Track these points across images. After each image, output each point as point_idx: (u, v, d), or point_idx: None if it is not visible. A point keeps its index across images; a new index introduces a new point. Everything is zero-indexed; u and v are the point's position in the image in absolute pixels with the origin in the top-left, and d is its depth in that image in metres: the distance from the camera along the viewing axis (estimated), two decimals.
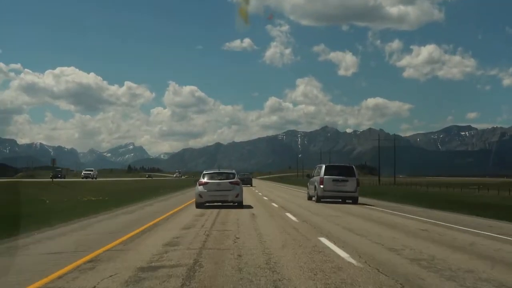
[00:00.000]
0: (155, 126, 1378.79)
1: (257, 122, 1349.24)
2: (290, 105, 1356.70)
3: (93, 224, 14.86)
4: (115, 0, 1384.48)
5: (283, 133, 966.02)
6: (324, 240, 10.85)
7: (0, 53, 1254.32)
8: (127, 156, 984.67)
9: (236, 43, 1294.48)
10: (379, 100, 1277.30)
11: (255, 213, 18.70)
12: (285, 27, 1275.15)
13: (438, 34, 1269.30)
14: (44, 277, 7.08)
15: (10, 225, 13.18)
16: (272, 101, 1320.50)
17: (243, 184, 27.35)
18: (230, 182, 21.92)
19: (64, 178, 63.80)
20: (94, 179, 67.64)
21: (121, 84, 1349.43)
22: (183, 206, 23.49)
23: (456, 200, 32.09)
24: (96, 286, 6.57)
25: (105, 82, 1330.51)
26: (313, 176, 29.11)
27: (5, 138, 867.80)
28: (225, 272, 7.33)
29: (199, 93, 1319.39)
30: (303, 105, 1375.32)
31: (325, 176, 26.19)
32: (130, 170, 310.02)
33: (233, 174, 23.17)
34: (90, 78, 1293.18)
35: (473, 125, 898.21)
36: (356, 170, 27.94)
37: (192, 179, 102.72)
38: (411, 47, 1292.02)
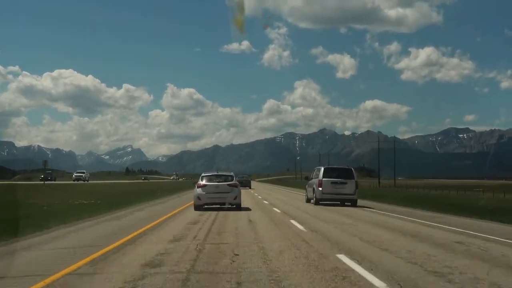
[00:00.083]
0: (153, 128, 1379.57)
1: (255, 125, 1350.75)
2: (288, 108, 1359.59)
3: (69, 234, 12.72)
4: (113, 4, 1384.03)
5: (281, 135, 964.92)
6: (344, 258, 8.66)
7: None
8: (125, 158, 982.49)
9: (235, 46, 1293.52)
10: (377, 102, 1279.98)
11: (255, 220, 16.68)
12: (283, 30, 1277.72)
13: (436, 37, 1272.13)
14: None
15: None
16: (270, 103, 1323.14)
17: (241, 186, 27.19)
18: (228, 185, 21.84)
19: (54, 180, 61.64)
20: (85, 182, 65.30)
21: (119, 87, 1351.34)
22: (176, 211, 21.51)
23: (465, 203, 29.97)
24: None
25: (103, 85, 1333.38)
26: (312, 178, 28.72)
27: (3, 140, 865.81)
28: None
29: (198, 96, 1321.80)
30: (301, 108, 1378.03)
31: (323, 179, 25.94)
32: (128, 172, 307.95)
33: (232, 176, 23.03)
34: (88, 81, 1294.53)
35: (471, 128, 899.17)
36: (355, 172, 27.59)
37: (189, 181, 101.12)
38: (409, 49, 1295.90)
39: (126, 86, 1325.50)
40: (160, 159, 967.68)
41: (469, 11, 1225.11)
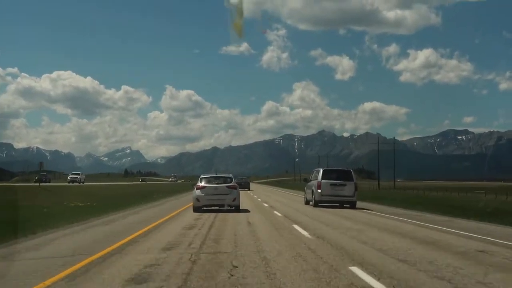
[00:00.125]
0: (152, 130, 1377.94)
1: (254, 126, 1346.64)
2: (287, 109, 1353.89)
3: (53, 241, 11.62)
4: (112, 5, 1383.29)
5: (280, 137, 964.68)
6: (359, 272, 7.54)
7: None
8: (124, 160, 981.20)
9: (234, 47, 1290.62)
10: (376, 104, 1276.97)
11: (255, 224, 15.62)
12: (282, 31, 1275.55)
13: (435, 38, 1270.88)
14: None
15: None
16: (269, 105, 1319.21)
17: (240, 188, 27.41)
18: (227, 186, 21.86)
19: (49, 182, 60.43)
20: (81, 183, 64.08)
21: (118, 88, 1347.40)
22: (172, 214, 20.49)
23: (470, 206, 28.85)
24: None
25: (102, 86, 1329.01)
26: (311, 180, 28.54)
27: (2, 142, 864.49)
28: None
29: (196, 97, 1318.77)
30: (300, 109, 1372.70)
31: (322, 180, 25.79)
32: (127, 174, 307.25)
33: (231, 178, 22.92)
34: (87, 82, 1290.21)
35: (470, 129, 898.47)
36: (354, 174, 27.37)
37: (188, 183, 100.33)
38: (408, 51, 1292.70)
39: (125, 87, 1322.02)
40: (159, 161, 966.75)
41: (467, 13, 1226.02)
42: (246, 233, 12.99)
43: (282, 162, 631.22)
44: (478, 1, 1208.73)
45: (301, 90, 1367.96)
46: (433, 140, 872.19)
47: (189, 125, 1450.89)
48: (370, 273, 7.45)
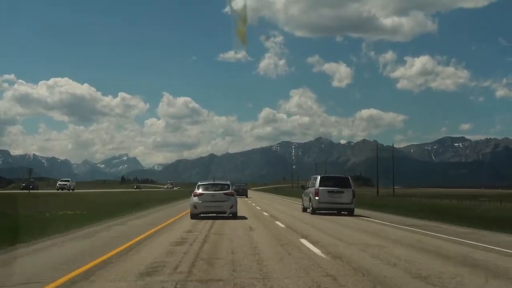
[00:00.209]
0: (149, 137, 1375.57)
1: (251, 133, 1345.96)
2: (284, 116, 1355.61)
3: (17, 260, 9.45)
4: (109, 13, 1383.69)
5: (277, 144, 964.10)
6: None
7: None
8: (121, 167, 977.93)
9: (230, 54, 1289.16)
10: (373, 111, 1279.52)
11: (257, 238, 13.39)
12: (279, 38, 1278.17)
13: (431, 46, 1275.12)
14: None
15: None
16: (266, 112, 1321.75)
17: (238, 195, 27.32)
18: (224, 193, 21.83)
19: (37, 189, 58.07)
20: (70, 191, 61.67)
21: (115, 95, 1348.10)
22: (163, 224, 18.35)
23: (486, 215, 26.72)
24: None
25: (99, 93, 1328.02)
26: (308, 187, 28.37)
27: None
28: None
29: (193, 104, 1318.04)
30: (297, 116, 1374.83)
31: (320, 188, 25.58)
32: (124, 181, 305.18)
33: (228, 185, 22.86)
34: (84, 89, 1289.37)
35: (467, 137, 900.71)
36: (351, 181, 27.15)
37: (185, 190, 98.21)
38: (405, 58, 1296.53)
39: (122, 94, 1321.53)
40: (156, 168, 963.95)
41: (464, 20, 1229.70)
42: (246, 251, 10.78)
43: (279, 169, 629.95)
44: (475, 8, 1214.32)
45: (298, 97, 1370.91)
46: (430, 147, 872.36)
47: (186, 132, 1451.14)
48: None
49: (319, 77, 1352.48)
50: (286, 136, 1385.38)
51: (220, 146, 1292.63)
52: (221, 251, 10.81)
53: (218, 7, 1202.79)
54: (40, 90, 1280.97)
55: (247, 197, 61.86)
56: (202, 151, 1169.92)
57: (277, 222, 19.67)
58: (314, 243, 12.25)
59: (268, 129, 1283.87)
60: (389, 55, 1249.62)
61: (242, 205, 34.80)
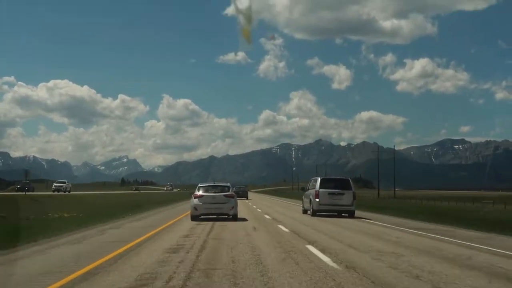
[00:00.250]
0: (149, 139, 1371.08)
1: (251, 135, 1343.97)
2: (284, 118, 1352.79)
3: None
4: (109, 14, 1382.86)
5: (277, 146, 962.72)
6: None
7: None
8: (121, 169, 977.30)
9: (230, 56, 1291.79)
10: (373, 113, 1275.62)
11: (259, 245, 12.29)
12: (279, 41, 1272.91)
13: (431, 48, 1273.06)
14: None
15: None
16: (266, 114, 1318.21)
17: (238, 197, 27.48)
18: (225, 195, 21.88)
19: (32, 191, 56.92)
20: (66, 193, 60.54)
21: (115, 97, 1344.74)
22: (160, 228, 17.28)
23: (498, 218, 25.75)
24: None
25: (98, 95, 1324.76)
26: (308, 189, 28.11)
27: None
28: None
29: (193, 106, 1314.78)
30: (297, 118, 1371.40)
31: (320, 189, 25.41)
32: (124, 183, 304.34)
33: (228, 187, 22.96)
34: (84, 91, 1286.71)
35: (467, 139, 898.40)
36: (352, 183, 27.00)
37: (185, 192, 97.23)
38: (405, 60, 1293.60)
39: (121, 96, 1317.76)
40: (156, 170, 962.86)
41: (463, 22, 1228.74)
42: (248, 260, 9.70)
43: (279, 171, 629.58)
44: (474, 11, 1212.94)
45: (298, 99, 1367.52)
46: (430, 150, 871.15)
47: (186, 134, 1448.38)
48: None
49: (319, 79, 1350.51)
50: (286, 138, 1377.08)
51: (220, 148, 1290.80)
52: (220, 259, 9.76)
53: (218, 9, 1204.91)
54: (40, 92, 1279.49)
55: (247, 199, 61.19)
56: (202, 153, 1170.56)
57: (280, 226, 18.65)
58: (322, 250, 11.18)
59: (268, 131, 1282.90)
60: (389, 58, 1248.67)
61: (243, 208, 33.94)
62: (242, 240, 13.27)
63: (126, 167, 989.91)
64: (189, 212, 22.30)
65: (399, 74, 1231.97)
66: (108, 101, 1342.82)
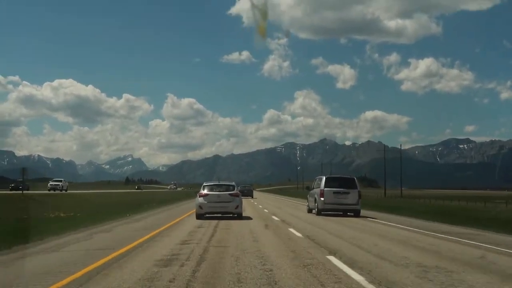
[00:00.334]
0: (153, 138, 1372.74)
1: (255, 135, 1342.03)
2: (289, 118, 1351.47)
3: None
4: (113, 14, 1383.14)
5: (281, 145, 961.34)
6: None
7: None
8: (125, 168, 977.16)
9: (235, 56, 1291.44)
10: (377, 113, 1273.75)
11: (270, 255, 10.06)
12: (284, 40, 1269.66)
13: (436, 48, 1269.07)
14: None
15: None
16: (270, 113, 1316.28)
17: (243, 196, 27.73)
18: (230, 194, 21.90)
19: (27, 190, 54.87)
20: (63, 191, 58.43)
21: (119, 97, 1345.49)
22: (156, 231, 15.25)
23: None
24: None
25: (103, 95, 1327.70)
26: (313, 188, 27.99)
27: (3, 150, 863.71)
28: None
29: (198, 106, 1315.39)
30: (302, 118, 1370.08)
31: (325, 188, 25.22)
32: (128, 182, 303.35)
33: (233, 186, 23.02)
34: (88, 91, 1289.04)
35: (472, 138, 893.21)
36: (357, 182, 26.70)
37: (189, 191, 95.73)
38: (409, 60, 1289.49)
39: (126, 96, 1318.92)
40: (160, 169, 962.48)
41: (468, 22, 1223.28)
42: (259, 278, 7.54)
43: (284, 170, 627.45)
44: (479, 11, 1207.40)
45: (303, 99, 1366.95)
46: (434, 149, 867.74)
47: (191, 133, 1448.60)
48: None
49: (323, 78, 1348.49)
50: (291, 137, 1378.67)
51: (224, 147, 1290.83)
52: (222, 277, 7.64)
53: (222, 8, 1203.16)
54: (45, 91, 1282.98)
55: (252, 198, 59.89)
56: (206, 152, 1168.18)
57: (290, 229, 16.52)
58: (349, 263, 8.98)
59: (272, 130, 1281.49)
60: (393, 57, 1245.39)
61: (249, 207, 32.44)
62: (249, 248, 11.16)
63: (130, 166, 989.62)
64: (192, 212, 22.00)
65: (403, 73, 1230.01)
66: (112, 101, 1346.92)
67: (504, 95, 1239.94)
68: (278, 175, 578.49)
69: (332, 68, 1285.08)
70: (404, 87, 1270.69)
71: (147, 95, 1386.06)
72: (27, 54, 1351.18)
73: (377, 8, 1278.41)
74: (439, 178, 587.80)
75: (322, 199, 25.10)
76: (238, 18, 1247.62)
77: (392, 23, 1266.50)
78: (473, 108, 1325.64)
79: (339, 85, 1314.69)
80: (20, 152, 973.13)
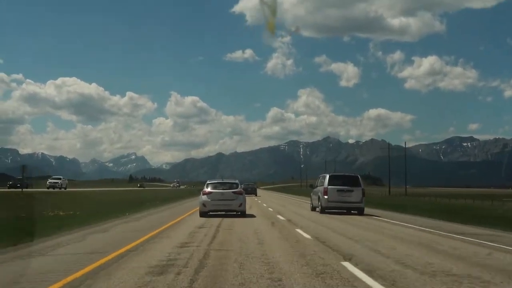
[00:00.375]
0: (157, 136, 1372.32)
1: (259, 133, 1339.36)
2: (292, 116, 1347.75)
3: None
4: (116, 12, 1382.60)
5: (285, 143, 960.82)
6: None
7: (2, 63, 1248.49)
8: (129, 166, 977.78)
9: (238, 54, 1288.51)
10: (381, 111, 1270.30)
11: (280, 262, 8.94)
12: (287, 38, 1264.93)
13: (439, 46, 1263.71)
14: None
15: None
16: (274, 111, 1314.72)
17: (247, 194, 27.61)
18: (233, 192, 21.87)
19: (26, 187, 53.93)
20: (62, 189, 57.53)
21: (123, 95, 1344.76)
22: (152, 234, 14.09)
23: None
24: None
25: (106, 93, 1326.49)
26: (317, 186, 28.00)
27: (7, 147, 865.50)
28: None
29: (201, 104, 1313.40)
30: (305, 116, 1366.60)
31: (329, 186, 25.18)
32: (132, 180, 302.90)
33: (237, 184, 22.86)
34: (92, 89, 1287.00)
35: (475, 136, 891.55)
36: (361, 179, 26.57)
37: (192, 189, 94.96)
38: (413, 58, 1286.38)
39: (129, 94, 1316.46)
40: (163, 167, 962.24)
41: (472, 20, 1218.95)
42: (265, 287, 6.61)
43: (288, 168, 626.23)
44: (482, 8, 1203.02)
45: (306, 97, 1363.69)
46: (438, 147, 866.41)
47: (194, 131, 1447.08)
48: None
49: (327, 77, 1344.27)
50: (294, 135, 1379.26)
51: (228, 145, 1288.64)
52: (225, 283, 6.66)
53: (226, 7, 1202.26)
54: (48, 89, 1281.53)
55: (256, 196, 59.47)
56: (210, 150, 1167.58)
57: (298, 230, 15.50)
58: (367, 271, 7.92)
59: (276, 128, 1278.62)
60: (397, 55, 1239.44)
61: (253, 206, 31.65)
62: (254, 252, 10.12)
63: (134, 164, 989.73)
64: (194, 210, 21.82)
65: (407, 71, 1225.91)
66: (116, 99, 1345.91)
67: (508, 93, 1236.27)
68: (281, 173, 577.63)
69: (336, 66, 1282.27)
70: (407, 85, 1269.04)
71: (151, 93, 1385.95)
72: (31, 52, 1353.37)
73: (380, 6, 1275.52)
74: (443, 176, 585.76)
75: (325, 197, 25.04)
76: (241, 16, 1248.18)
77: (396, 21, 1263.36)
78: (477, 106, 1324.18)
79: (343, 83, 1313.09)
80: (24, 150, 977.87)
